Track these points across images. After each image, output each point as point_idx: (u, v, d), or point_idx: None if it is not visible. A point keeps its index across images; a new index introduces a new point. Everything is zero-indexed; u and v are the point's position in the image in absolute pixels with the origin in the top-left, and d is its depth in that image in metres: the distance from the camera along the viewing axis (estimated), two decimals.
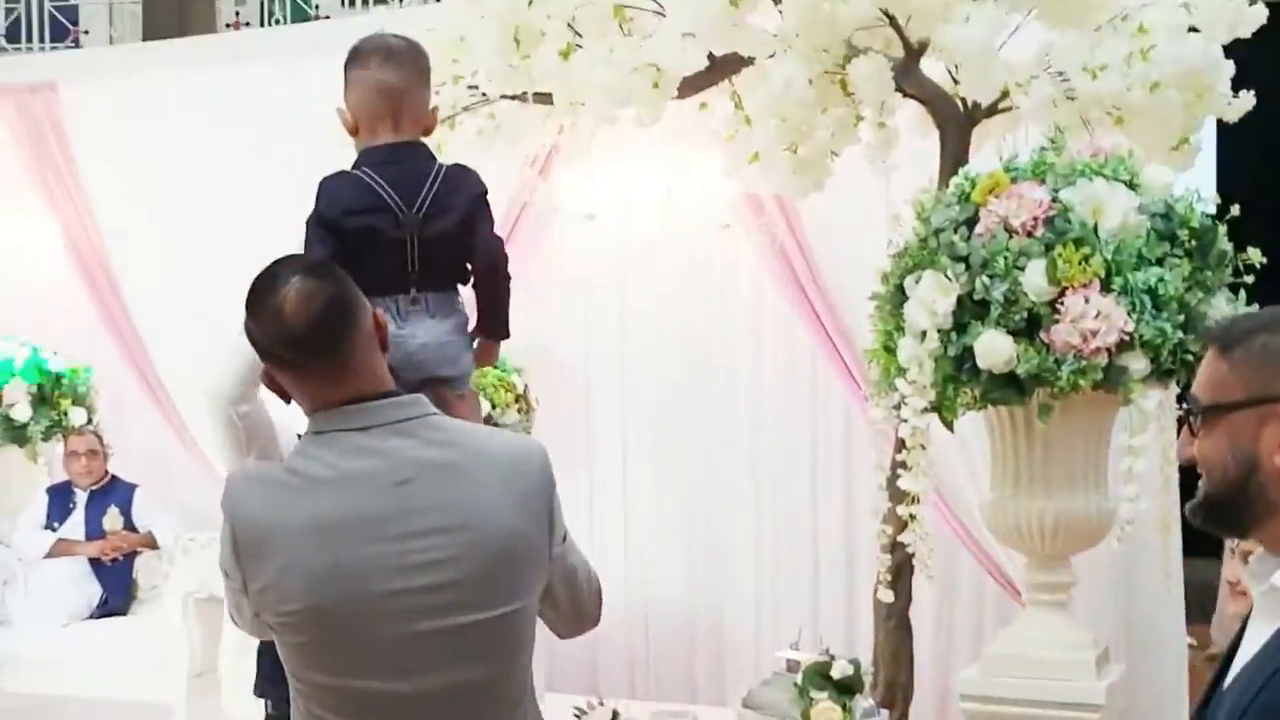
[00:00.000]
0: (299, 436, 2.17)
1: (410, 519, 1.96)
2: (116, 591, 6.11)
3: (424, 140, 3.14)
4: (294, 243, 6.32)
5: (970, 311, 3.24)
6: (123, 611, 6.13)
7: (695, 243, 5.67)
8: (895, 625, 4.17)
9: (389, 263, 2.99)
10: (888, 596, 3.96)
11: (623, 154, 5.49)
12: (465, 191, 3.07)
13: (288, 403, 2.08)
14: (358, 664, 1.97)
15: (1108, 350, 3.16)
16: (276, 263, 2.07)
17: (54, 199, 6.69)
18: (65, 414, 6.50)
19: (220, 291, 6.20)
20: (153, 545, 6.13)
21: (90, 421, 6.55)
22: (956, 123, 4.01)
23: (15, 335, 6.63)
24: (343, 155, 3.17)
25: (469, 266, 3.13)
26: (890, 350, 3.45)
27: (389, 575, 1.95)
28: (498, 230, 3.24)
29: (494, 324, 3.20)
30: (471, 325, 3.17)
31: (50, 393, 6.52)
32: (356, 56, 3.10)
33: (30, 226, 6.86)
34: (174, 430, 6.48)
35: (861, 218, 4.78)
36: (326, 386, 2.00)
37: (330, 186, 3.02)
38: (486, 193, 3.12)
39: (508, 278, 3.22)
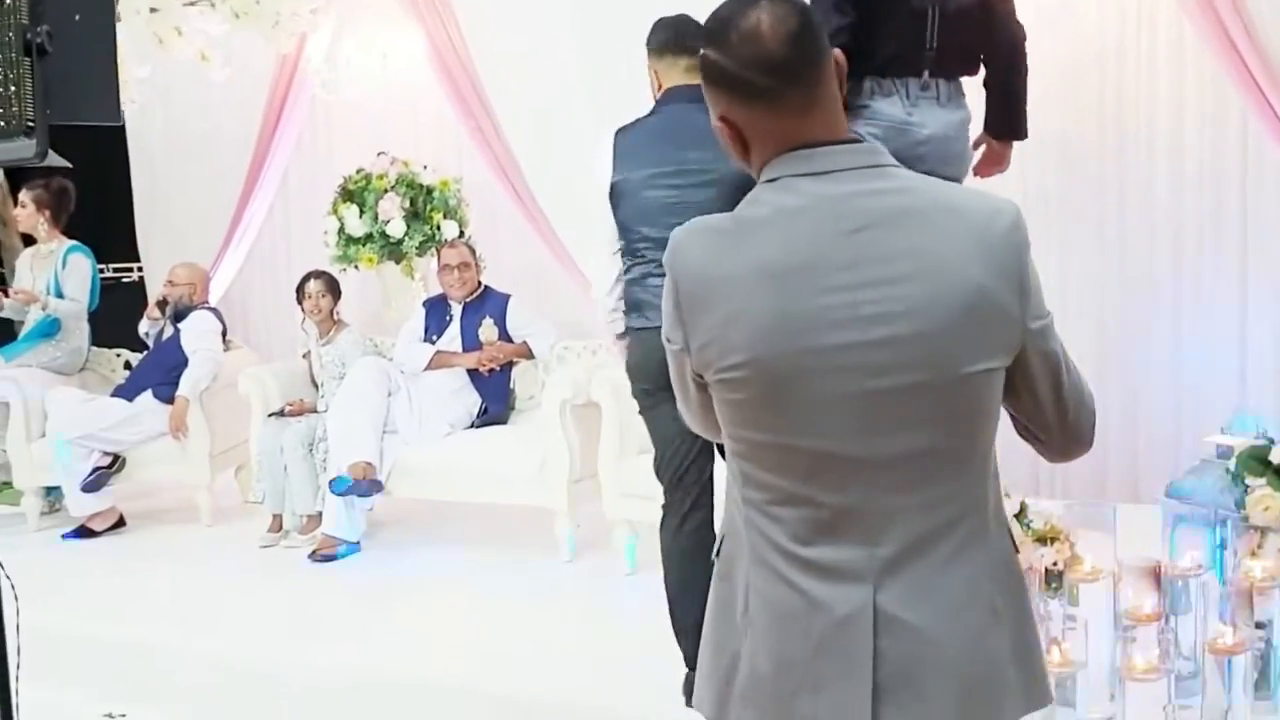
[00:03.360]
0: None
1: (865, 268, 1.78)
2: (496, 401, 6.11)
3: None
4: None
5: None
6: (502, 420, 6.13)
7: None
8: None
9: (906, 37, 2.87)
10: None
11: None
12: None
13: (740, 157, 1.92)
14: (802, 422, 1.81)
15: None
16: None
17: (417, 6, 6.64)
18: (438, 228, 6.54)
19: (585, 95, 6.15)
20: (528, 355, 6.10)
21: (462, 234, 6.56)
22: None
23: (387, 150, 6.67)
24: None
25: (982, 57, 2.97)
26: None
27: (840, 327, 1.78)
28: None
29: (1008, 122, 3.02)
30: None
31: (423, 207, 6.55)
32: None
33: (396, 38, 6.87)
34: (544, 241, 6.45)
35: None
36: (792, 120, 1.85)
37: None
38: None
39: (1025, 70, 3.03)
